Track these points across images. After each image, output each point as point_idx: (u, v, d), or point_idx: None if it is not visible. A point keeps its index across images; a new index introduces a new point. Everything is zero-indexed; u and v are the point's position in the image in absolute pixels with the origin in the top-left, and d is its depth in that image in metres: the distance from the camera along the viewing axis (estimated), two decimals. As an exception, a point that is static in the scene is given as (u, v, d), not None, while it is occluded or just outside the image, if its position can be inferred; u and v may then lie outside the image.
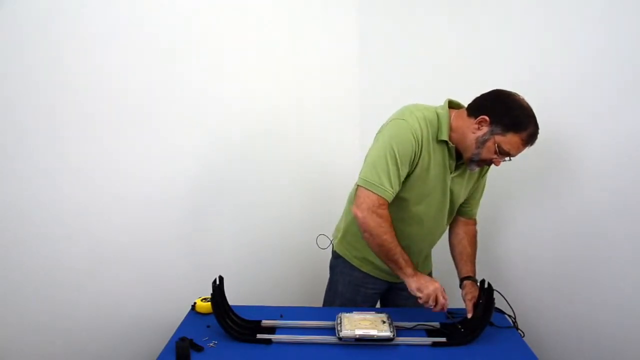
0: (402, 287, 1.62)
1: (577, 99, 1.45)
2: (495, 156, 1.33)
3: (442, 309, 1.33)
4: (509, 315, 1.45)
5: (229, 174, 1.92)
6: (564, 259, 1.52)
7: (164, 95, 1.68)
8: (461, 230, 1.57)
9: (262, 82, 1.96)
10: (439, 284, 1.34)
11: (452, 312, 1.44)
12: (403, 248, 1.37)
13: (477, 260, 1.54)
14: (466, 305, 1.41)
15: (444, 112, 1.39)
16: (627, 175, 1.33)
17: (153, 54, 1.63)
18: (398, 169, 1.34)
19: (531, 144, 1.32)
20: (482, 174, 1.53)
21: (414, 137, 1.34)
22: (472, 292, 1.42)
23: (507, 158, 1.35)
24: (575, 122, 1.46)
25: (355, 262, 1.59)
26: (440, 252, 1.63)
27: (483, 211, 1.60)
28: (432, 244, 1.60)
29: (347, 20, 2.21)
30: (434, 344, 1.28)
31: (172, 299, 1.70)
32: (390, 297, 1.67)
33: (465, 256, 1.53)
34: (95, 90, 1.52)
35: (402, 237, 1.40)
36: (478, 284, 1.41)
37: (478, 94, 1.36)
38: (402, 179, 1.37)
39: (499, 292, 1.38)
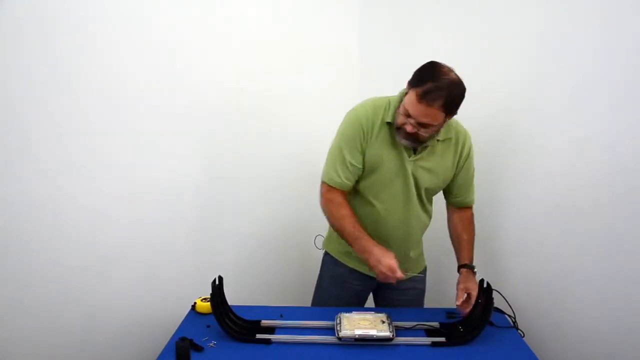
0: (391, 287, 1.55)
1: (575, 99, 1.45)
2: (403, 119, 1.32)
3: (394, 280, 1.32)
4: (509, 315, 1.45)
5: (228, 175, 1.92)
6: (564, 258, 1.52)
7: (164, 94, 1.68)
8: (455, 216, 1.57)
9: (262, 82, 1.96)
10: (388, 261, 1.30)
11: (452, 312, 1.44)
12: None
13: (477, 261, 1.53)
14: (456, 294, 1.40)
15: (396, 97, 1.41)
16: (629, 175, 1.33)
17: (153, 50, 1.63)
18: (344, 156, 1.42)
19: (427, 103, 1.25)
20: (459, 159, 1.47)
21: (359, 123, 1.40)
22: (465, 281, 1.42)
23: (413, 121, 1.29)
24: (577, 122, 1.45)
25: (341, 258, 1.60)
26: (438, 248, 1.63)
27: (483, 211, 1.59)
28: (412, 242, 1.55)
29: (347, 16, 2.21)
30: (434, 344, 1.28)
31: (172, 299, 1.71)
32: (380, 294, 1.67)
33: (459, 243, 1.53)
34: (95, 89, 1.52)
35: (379, 239, 1.40)
36: (475, 270, 1.40)
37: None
38: (356, 164, 1.42)
39: (499, 292, 1.38)
